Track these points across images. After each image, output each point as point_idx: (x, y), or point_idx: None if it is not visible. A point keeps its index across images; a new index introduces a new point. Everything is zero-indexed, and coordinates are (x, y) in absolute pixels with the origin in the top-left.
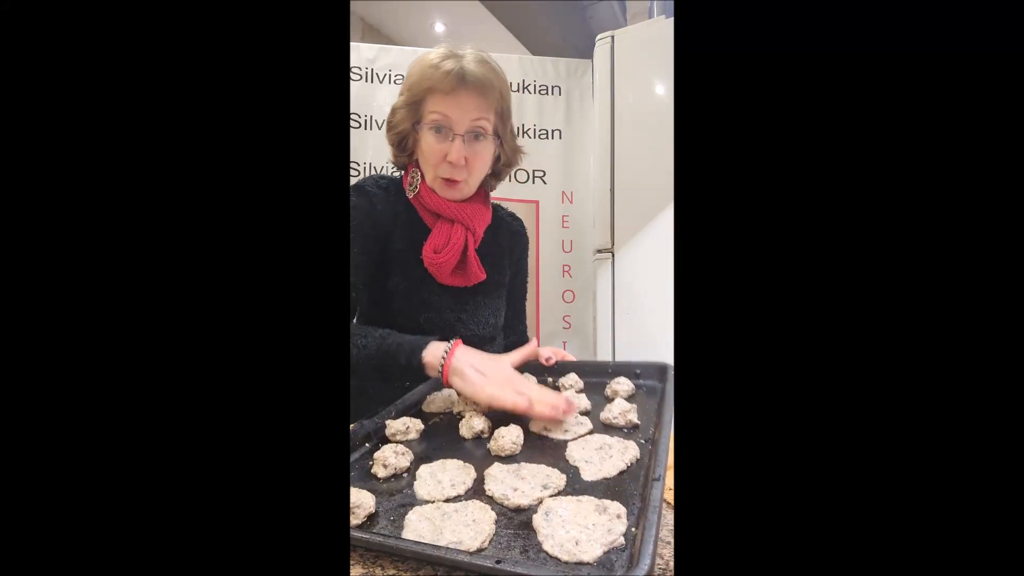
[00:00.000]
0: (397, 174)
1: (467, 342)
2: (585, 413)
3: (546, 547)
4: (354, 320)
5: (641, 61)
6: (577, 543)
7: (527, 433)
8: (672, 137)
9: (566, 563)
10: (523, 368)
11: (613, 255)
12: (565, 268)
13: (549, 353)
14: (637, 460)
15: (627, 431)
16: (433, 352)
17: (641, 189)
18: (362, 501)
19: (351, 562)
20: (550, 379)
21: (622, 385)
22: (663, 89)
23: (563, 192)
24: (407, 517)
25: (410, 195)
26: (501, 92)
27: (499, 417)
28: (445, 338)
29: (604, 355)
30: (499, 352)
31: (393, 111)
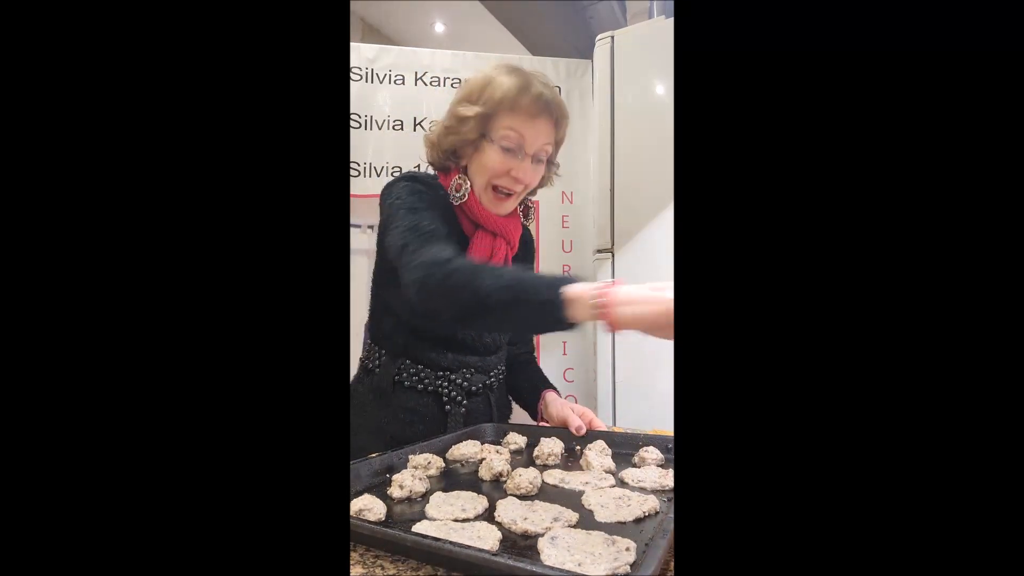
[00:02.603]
0: (434, 173)
1: (484, 350)
2: (610, 472)
3: (548, 564)
4: (451, 253)
5: (641, 61)
6: (580, 564)
7: (543, 482)
8: (672, 137)
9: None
10: (551, 433)
11: (613, 255)
12: (565, 268)
13: (580, 423)
14: (656, 512)
15: (649, 491)
16: (580, 289)
17: (641, 189)
18: (373, 506)
19: (351, 562)
20: (577, 447)
21: (651, 454)
22: (663, 89)
23: (563, 192)
24: (413, 527)
25: (456, 202)
26: (566, 123)
27: (518, 463)
28: (515, 372)
29: (604, 355)
30: (504, 358)
31: (460, 119)
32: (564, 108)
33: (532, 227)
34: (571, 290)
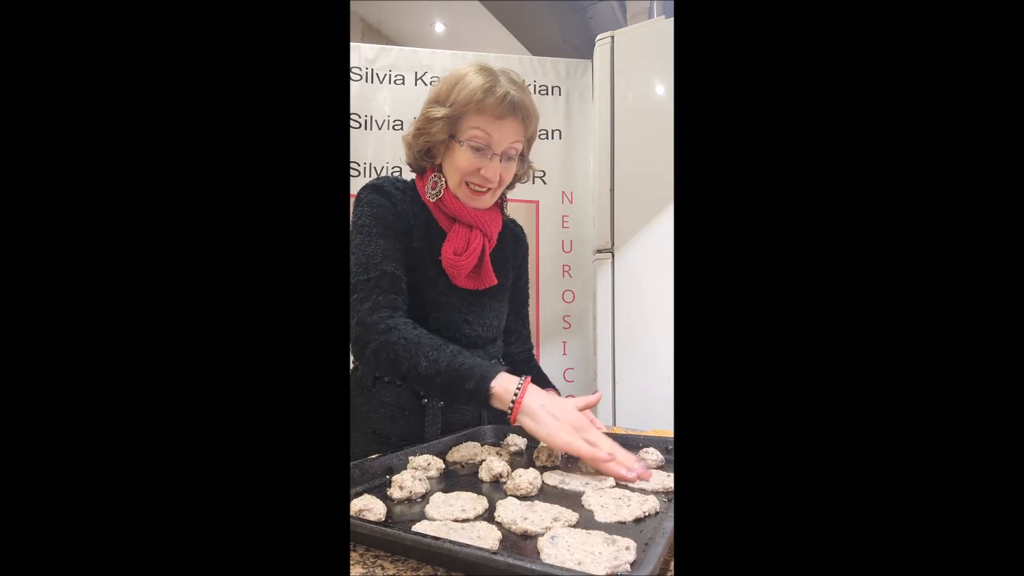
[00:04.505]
0: (409, 178)
1: (470, 343)
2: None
3: (547, 563)
4: (388, 313)
5: (641, 61)
6: (579, 564)
7: (543, 483)
8: (672, 137)
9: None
10: None
11: (613, 255)
12: (565, 268)
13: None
14: (656, 512)
15: (648, 492)
16: (504, 385)
17: (641, 189)
18: (373, 506)
19: (351, 562)
20: None
21: (651, 455)
22: (663, 89)
23: (563, 192)
24: (413, 528)
25: (432, 199)
26: (536, 120)
27: (518, 464)
28: (513, 371)
29: (604, 355)
30: (498, 353)
31: (430, 120)
32: (532, 107)
33: (531, 226)
34: (496, 386)
